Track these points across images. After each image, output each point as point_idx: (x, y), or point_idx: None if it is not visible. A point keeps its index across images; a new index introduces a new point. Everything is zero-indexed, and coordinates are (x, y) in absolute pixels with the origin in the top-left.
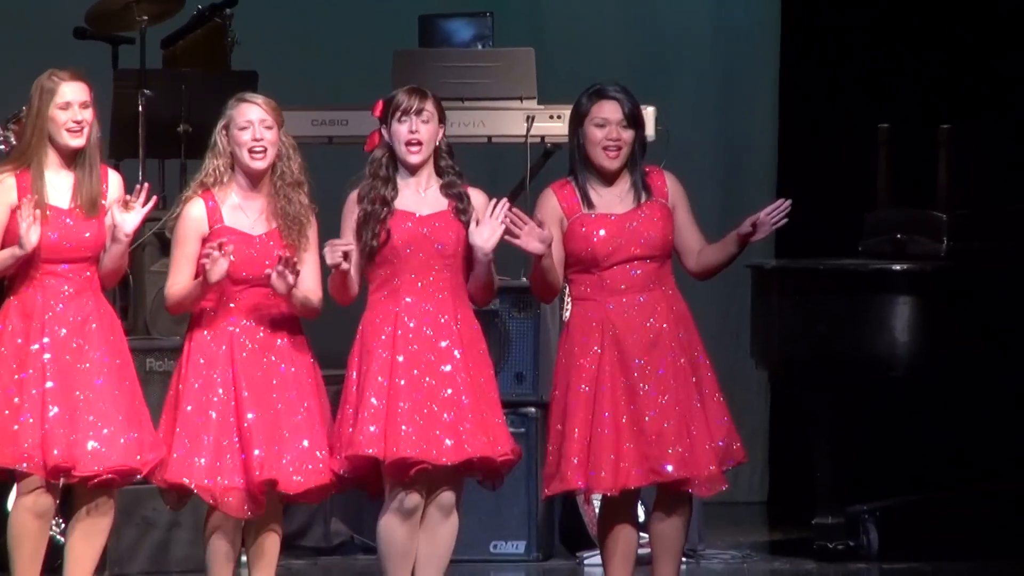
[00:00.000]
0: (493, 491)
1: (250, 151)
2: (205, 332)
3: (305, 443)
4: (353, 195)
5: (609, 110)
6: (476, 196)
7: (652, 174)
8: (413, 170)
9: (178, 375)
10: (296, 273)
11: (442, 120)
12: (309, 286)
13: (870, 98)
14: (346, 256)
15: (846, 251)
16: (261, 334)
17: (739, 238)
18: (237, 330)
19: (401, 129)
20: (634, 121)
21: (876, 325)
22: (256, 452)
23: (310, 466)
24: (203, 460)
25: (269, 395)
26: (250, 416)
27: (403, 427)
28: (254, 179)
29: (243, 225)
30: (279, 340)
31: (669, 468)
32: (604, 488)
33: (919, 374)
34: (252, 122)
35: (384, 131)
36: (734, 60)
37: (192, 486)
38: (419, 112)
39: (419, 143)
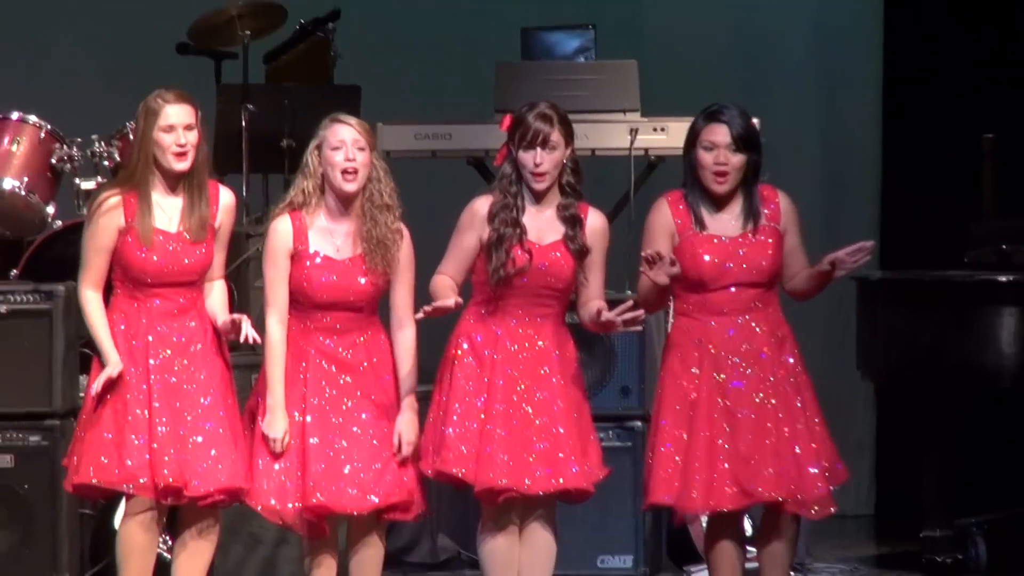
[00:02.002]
0: (576, 505)
1: (343, 172)
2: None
3: (377, 465)
4: (479, 203)
5: (717, 133)
6: (593, 219)
7: (767, 195)
8: (538, 195)
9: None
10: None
11: (570, 140)
12: (401, 315)
13: (975, 108)
14: (456, 306)
15: (951, 262)
16: (344, 353)
17: (820, 276)
18: (313, 351)
19: (526, 158)
20: (746, 144)
21: (982, 337)
22: (311, 472)
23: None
24: (270, 483)
25: (341, 418)
26: (312, 440)
27: (498, 455)
28: (344, 201)
29: (328, 248)
30: (362, 365)
31: (761, 489)
32: (696, 508)
33: None
34: (345, 142)
35: (511, 147)
36: (837, 70)
37: (258, 508)
38: (544, 143)
39: (544, 174)
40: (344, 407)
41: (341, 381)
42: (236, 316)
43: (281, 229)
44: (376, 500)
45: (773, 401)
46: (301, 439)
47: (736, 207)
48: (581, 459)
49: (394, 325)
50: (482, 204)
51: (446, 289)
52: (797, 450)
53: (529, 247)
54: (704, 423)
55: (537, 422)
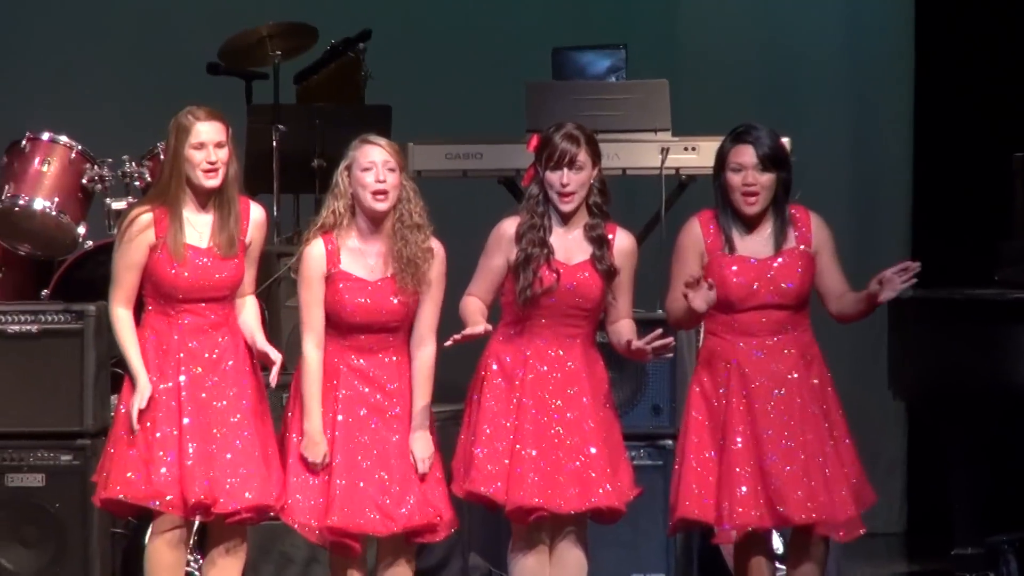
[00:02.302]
0: (610, 525)
1: (373, 193)
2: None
3: (396, 488)
4: (506, 224)
5: (744, 154)
6: (620, 240)
7: (798, 217)
8: (565, 216)
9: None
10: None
11: (596, 161)
12: (423, 331)
13: (1006, 127)
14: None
15: (982, 281)
16: (375, 373)
17: (868, 298)
18: (345, 368)
19: (554, 178)
20: (774, 163)
21: (1013, 355)
22: (332, 491)
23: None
24: (305, 500)
25: (367, 437)
26: (336, 460)
27: (529, 475)
28: (375, 221)
29: (360, 270)
30: (394, 385)
31: (788, 511)
32: (723, 528)
33: None
34: (375, 163)
35: (538, 168)
36: (868, 88)
37: (294, 525)
38: (572, 163)
39: (571, 194)
40: (372, 426)
41: (372, 400)
42: (274, 355)
43: (315, 253)
44: (394, 526)
45: (802, 423)
46: (328, 456)
47: (767, 228)
48: (612, 478)
49: (415, 341)
50: (509, 225)
51: (476, 314)
52: (827, 472)
53: (557, 267)
54: (732, 443)
55: (568, 442)
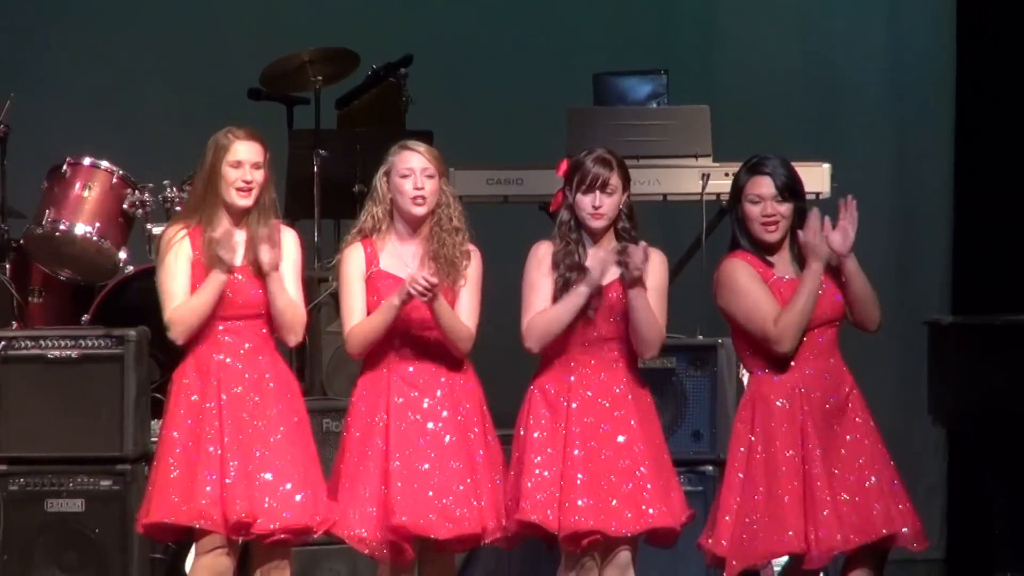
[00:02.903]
0: (669, 549)
1: (412, 199)
2: (365, 380)
3: (444, 497)
4: (541, 247)
5: (762, 186)
6: (651, 257)
7: None
8: (596, 236)
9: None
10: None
11: (627, 186)
12: (462, 319)
13: None
14: None
15: (1023, 306)
16: (423, 380)
17: (839, 271)
18: (396, 379)
19: (585, 201)
20: (791, 192)
21: None
22: (397, 498)
23: (457, 512)
24: (355, 511)
25: (424, 438)
26: (395, 464)
27: (580, 500)
28: (413, 225)
29: (399, 270)
30: (442, 387)
31: (874, 524)
32: (819, 551)
33: None
34: (414, 170)
35: (568, 192)
36: (909, 114)
37: (345, 536)
38: (603, 186)
39: (602, 216)
40: (428, 429)
41: (423, 406)
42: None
43: (354, 257)
44: (451, 526)
45: (864, 442)
46: (384, 462)
47: (786, 254)
48: (665, 499)
49: None
50: (543, 246)
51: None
52: (883, 487)
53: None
54: (770, 474)
55: (620, 464)
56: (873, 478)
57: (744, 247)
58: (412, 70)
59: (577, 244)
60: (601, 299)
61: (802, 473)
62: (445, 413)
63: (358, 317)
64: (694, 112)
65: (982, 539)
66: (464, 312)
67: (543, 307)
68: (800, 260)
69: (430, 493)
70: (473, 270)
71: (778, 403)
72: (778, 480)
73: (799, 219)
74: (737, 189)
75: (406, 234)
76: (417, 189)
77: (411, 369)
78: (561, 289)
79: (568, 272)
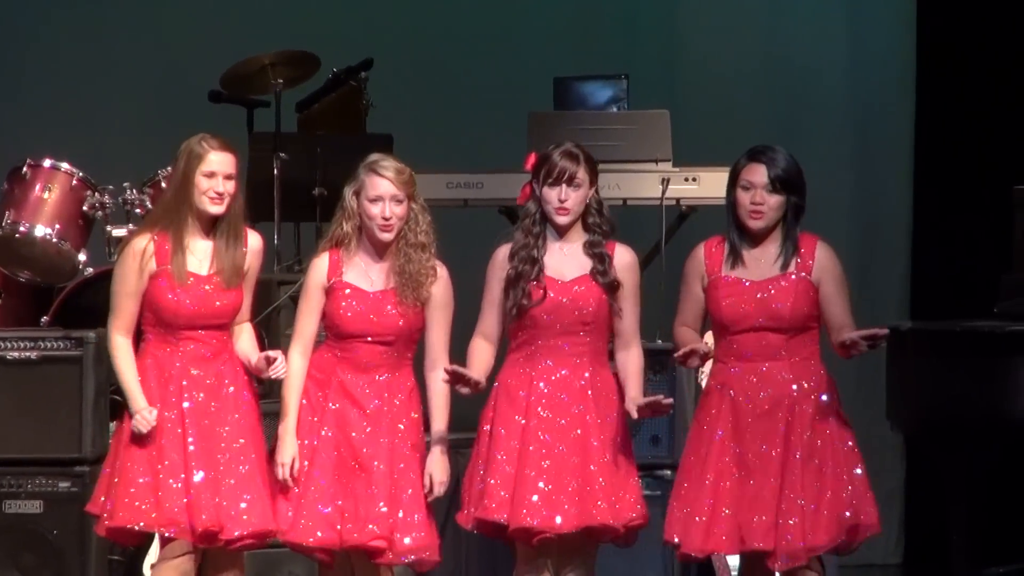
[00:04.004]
0: (627, 547)
1: (379, 226)
2: (310, 385)
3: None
4: (500, 252)
5: (756, 173)
6: (621, 255)
7: (805, 244)
8: (561, 231)
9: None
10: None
11: (594, 180)
12: (436, 355)
13: (1006, 159)
14: (474, 385)
15: (982, 313)
16: (364, 390)
17: (839, 349)
18: (335, 382)
19: (551, 194)
20: (784, 185)
21: (1012, 387)
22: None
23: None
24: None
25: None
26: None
27: (531, 496)
28: (379, 245)
29: (363, 282)
30: (376, 403)
31: (747, 536)
32: (692, 549)
33: None
34: (383, 197)
35: (535, 186)
36: (869, 120)
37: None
38: (570, 180)
39: (567, 211)
40: (353, 442)
41: (363, 416)
42: (272, 352)
43: (319, 265)
44: (350, 540)
45: (779, 451)
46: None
47: (773, 248)
48: (611, 496)
49: (428, 365)
50: (503, 251)
51: (477, 367)
52: (799, 501)
53: (548, 282)
54: (713, 467)
55: (571, 460)
56: (765, 493)
57: (727, 234)
58: (373, 74)
59: (538, 238)
60: (545, 295)
61: (716, 469)
62: (386, 427)
63: (307, 326)
64: (654, 117)
65: (940, 545)
66: (438, 346)
67: (488, 321)
68: (788, 257)
69: (329, 509)
70: (443, 295)
71: (709, 399)
72: (694, 471)
73: (794, 215)
74: (734, 174)
75: (374, 250)
76: (385, 219)
77: (351, 377)
78: (512, 280)
79: (521, 265)
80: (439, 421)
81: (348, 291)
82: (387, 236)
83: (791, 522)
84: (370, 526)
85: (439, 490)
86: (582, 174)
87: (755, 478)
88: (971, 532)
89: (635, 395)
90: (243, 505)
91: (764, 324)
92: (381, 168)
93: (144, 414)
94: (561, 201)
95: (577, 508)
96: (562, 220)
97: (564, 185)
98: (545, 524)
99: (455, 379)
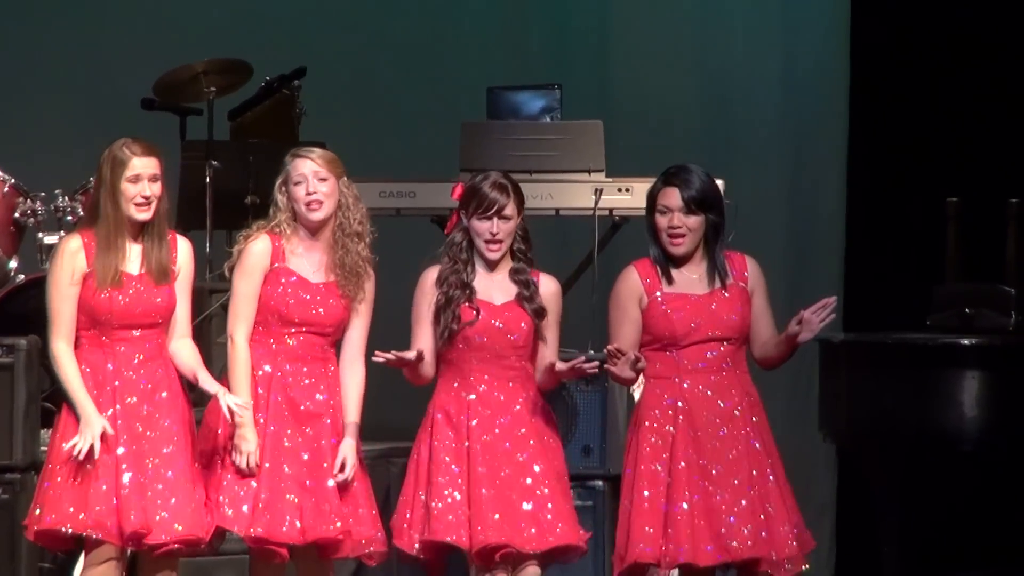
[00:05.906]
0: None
1: (307, 205)
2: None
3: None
4: (428, 276)
5: (670, 197)
6: (546, 284)
7: (733, 259)
8: (490, 264)
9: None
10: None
11: (521, 209)
12: (354, 353)
13: (939, 172)
14: (415, 362)
15: (915, 325)
16: (306, 381)
17: (788, 340)
18: (273, 373)
19: (481, 227)
20: (700, 205)
21: (944, 399)
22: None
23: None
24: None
25: (294, 443)
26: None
27: (490, 515)
28: (314, 230)
29: (304, 271)
30: (318, 395)
31: (738, 546)
32: (676, 563)
33: (987, 449)
34: (306, 176)
35: (463, 215)
36: (803, 132)
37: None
38: (500, 213)
39: (500, 242)
40: (304, 431)
41: (301, 407)
42: (231, 406)
43: (259, 247)
44: (310, 536)
45: (748, 460)
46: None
47: (699, 267)
48: (568, 517)
49: (345, 362)
50: (431, 274)
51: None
52: (769, 508)
53: (479, 304)
54: (683, 481)
55: (520, 482)
56: (743, 501)
57: (652, 256)
58: (305, 82)
59: (466, 264)
60: (479, 315)
61: (665, 488)
62: (327, 420)
63: (247, 309)
64: (587, 127)
65: (871, 558)
66: (357, 344)
67: (421, 343)
68: (712, 275)
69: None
70: (369, 293)
71: (655, 416)
72: (638, 494)
73: (714, 232)
74: (651, 199)
75: (309, 239)
76: (310, 194)
77: (288, 367)
78: (443, 305)
79: (452, 290)
80: (353, 414)
81: (294, 279)
82: (317, 215)
83: (784, 528)
84: (335, 520)
85: (350, 473)
86: (511, 207)
87: (726, 490)
88: (902, 545)
89: (560, 368)
90: (171, 511)
91: (714, 335)
92: (304, 151)
93: (94, 427)
94: (493, 235)
95: (538, 530)
96: (494, 255)
97: (496, 219)
98: (510, 540)
99: (395, 362)
